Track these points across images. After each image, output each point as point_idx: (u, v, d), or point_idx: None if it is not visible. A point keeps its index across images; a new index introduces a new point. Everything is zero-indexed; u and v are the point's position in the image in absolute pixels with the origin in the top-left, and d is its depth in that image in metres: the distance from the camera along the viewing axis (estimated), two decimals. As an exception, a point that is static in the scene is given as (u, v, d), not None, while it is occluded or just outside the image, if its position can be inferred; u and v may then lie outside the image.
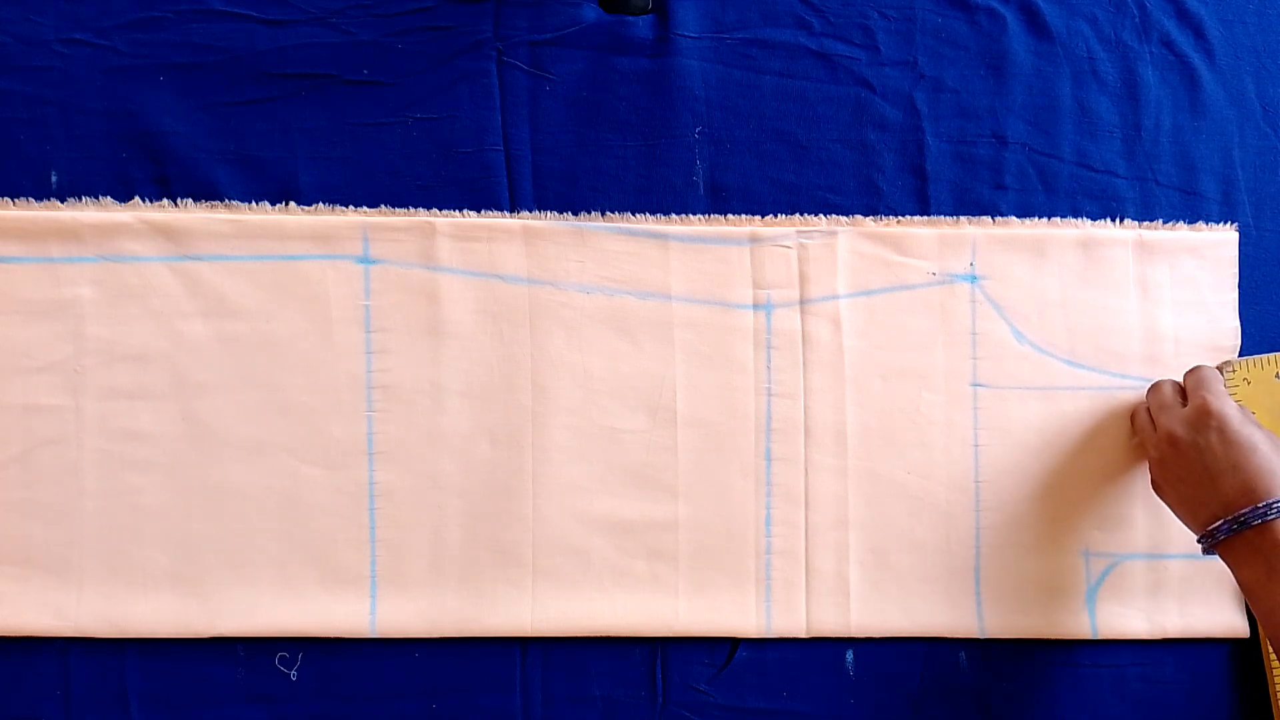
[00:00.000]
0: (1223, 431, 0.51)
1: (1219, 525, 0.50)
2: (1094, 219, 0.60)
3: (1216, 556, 0.52)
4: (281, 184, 0.58)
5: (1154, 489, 0.57)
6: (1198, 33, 0.62)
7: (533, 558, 0.57)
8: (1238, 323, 0.60)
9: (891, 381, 0.59)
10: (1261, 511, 0.49)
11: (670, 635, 0.58)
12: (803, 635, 0.58)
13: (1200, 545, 0.53)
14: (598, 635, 0.57)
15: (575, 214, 0.59)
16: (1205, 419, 0.52)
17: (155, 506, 0.57)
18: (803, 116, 0.60)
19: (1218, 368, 0.60)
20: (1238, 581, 0.52)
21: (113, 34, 0.58)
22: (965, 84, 0.61)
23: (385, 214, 0.58)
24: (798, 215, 0.59)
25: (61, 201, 0.57)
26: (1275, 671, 0.59)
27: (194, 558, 0.57)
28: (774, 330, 0.59)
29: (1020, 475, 0.59)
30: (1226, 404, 0.52)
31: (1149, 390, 0.57)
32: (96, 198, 0.57)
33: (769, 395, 0.58)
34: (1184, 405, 0.54)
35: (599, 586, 0.58)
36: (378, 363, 0.57)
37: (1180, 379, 0.57)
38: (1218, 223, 0.61)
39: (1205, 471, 0.51)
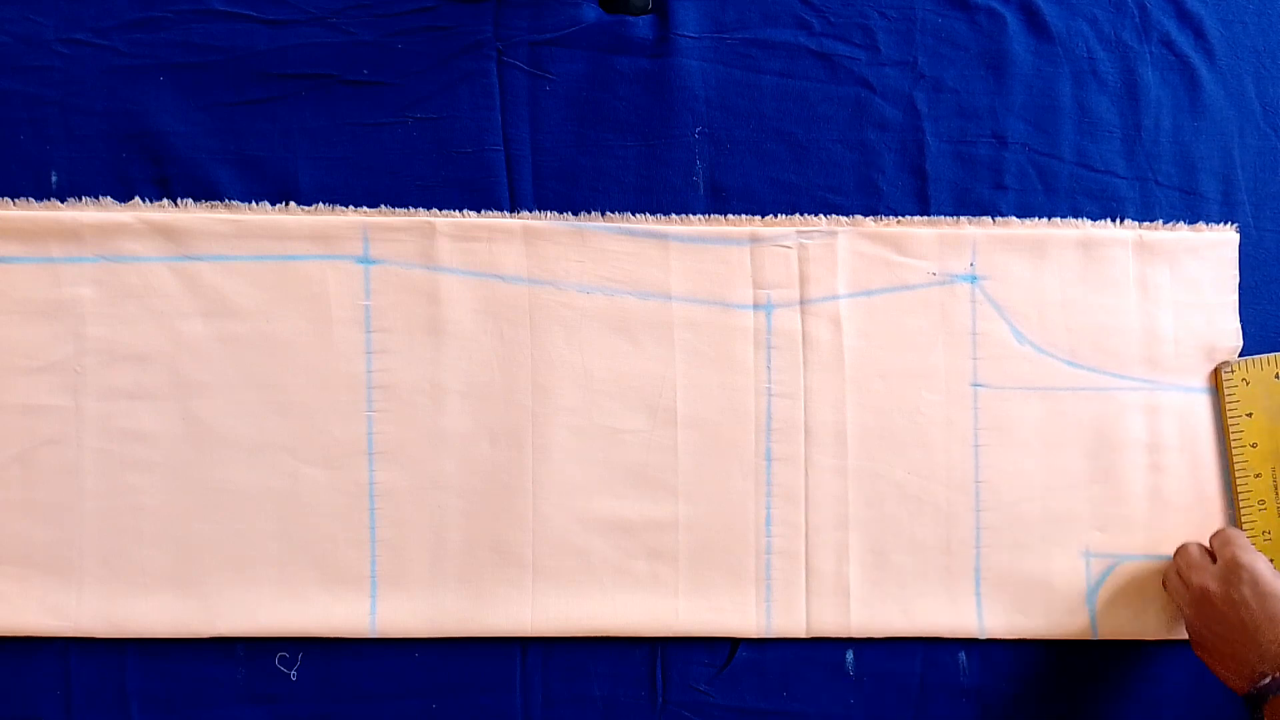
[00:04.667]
0: (1255, 584, 0.52)
1: (1266, 683, 0.50)
2: (1094, 219, 0.60)
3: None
4: (281, 184, 0.58)
5: (1194, 649, 0.56)
6: (1198, 33, 0.62)
7: (533, 558, 0.57)
8: (1238, 323, 0.60)
9: (891, 381, 0.59)
10: None
11: (670, 635, 0.58)
12: (803, 635, 0.58)
13: (1247, 708, 0.51)
14: (598, 635, 0.57)
15: (575, 214, 0.59)
16: (1237, 572, 0.52)
17: (155, 506, 0.57)
18: (803, 116, 0.60)
19: (1217, 368, 0.60)
20: None
21: (113, 34, 0.58)
22: (965, 84, 0.61)
23: (385, 214, 0.58)
24: (798, 215, 0.59)
25: (61, 201, 0.57)
26: None
27: (194, 558, 0.57)
28: (774, 330, 0.59)
29: (1020, 475, 0.59)
30: (1256, 558, 0.53)
31: (1176, 552, 0.58)
32: (96, 198, 0.57)
33: (769, 395, 0.58)
34: (1214, 562, 0.55)
35: (599, 586, 0.58)
36: (378, 363, 0.57)
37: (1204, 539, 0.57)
38: (1218, 223, 0.61)
39: (1242, 626, 0.51)
